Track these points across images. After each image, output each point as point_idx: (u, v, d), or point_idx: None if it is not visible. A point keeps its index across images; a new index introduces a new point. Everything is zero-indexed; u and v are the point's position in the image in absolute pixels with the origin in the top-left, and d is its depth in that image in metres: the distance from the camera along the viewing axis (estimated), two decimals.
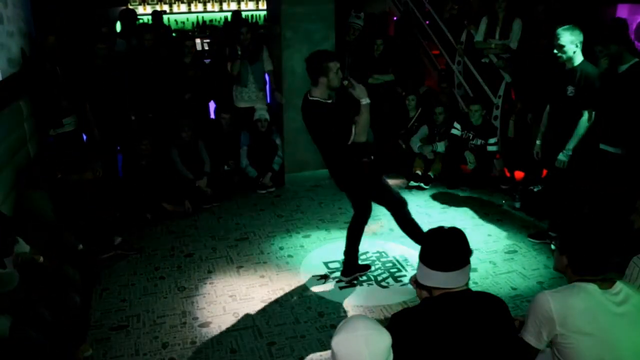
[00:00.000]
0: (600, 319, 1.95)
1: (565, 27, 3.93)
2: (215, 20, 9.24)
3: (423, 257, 2.06)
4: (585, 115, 4.00)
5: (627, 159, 4.21)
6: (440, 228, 2.09)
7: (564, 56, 3.98)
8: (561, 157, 4.13)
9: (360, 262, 4.37)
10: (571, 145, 4.08)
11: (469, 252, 2.04)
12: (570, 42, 3.89)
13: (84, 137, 5.47)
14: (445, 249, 2.01)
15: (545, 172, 5.39)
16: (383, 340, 1.72)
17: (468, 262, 2.03)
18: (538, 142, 4.56)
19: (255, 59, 5.88)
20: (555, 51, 4.00)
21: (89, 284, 3.85)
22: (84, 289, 3.59)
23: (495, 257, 4.48)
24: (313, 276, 4.22)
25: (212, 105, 6.49)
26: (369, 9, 7.60)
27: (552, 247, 4.22)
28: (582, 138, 4.08)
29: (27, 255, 3.27)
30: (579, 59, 3.99)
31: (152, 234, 4.93)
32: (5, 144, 4.24)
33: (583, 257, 2.06)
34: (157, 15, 7.50)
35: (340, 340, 1.71)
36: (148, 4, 8.83)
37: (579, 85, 3.98)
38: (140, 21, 7.49)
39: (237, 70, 5.84)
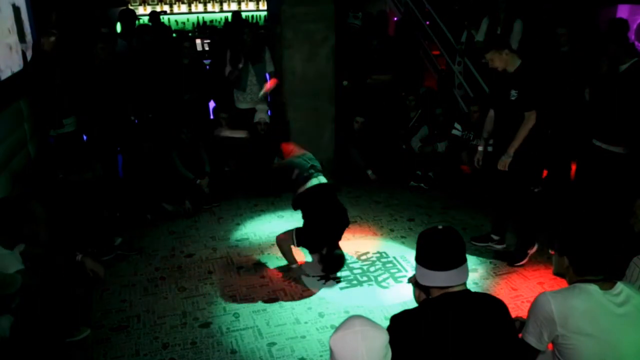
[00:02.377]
0: (601, 320, 1.95)
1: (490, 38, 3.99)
2: (216, 20, 9.25)
3: (422, 259, 2.06)
4: (525, 117, 3.92)
5: (630, 158, 4.21)
6: (435, 228, 2.09)
7: (500, 66, 4.00)
8: (503, 158, 4.03)
9: (360, 263, 4.39)
10: (512, 147, 3.99)
11: (465, 249, 2.04)
12: (498, 53, 3.95)
13: (84, 137, 5.47)
14: (444, 248, 2.01)
15: (545, 172, 5.40)
16: (379, 336, 1.72)
17: (465, 260, 2.03)
18: (480, 148, 4.49)
19: (258, 60, 5.88)
20: (490, 67, 4.07)
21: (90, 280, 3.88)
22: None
23: (496, 257, 4.48)
24: (313, 276, 4.22)
25: (212, 105, 6.49)
26: (369, 9, 7.62)
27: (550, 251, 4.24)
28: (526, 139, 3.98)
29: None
30: (516, 62, 3.98)
31: (152, 235, 4.93)
32: (5, 144, 4.25)
33: (585, 257, 2.06)
34: (154, 15, 7.50)
35: (338, 338, 1.72)
36: (148, 4, 8.84)
37: (521, 87, 3.94)
38: (141, 21, 7.51)
39: (234, 76, 5.84)
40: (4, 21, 5.03)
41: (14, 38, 5.23)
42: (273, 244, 4.74)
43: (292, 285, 4.11)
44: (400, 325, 1.98)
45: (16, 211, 3.21)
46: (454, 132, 5.86)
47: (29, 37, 5.57)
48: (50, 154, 4.77)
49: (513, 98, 3.99)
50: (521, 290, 3.99)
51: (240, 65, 5.82)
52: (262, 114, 5.80)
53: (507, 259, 4.37)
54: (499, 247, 4.58)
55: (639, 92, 4.03)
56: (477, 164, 4.52)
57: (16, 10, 5.40)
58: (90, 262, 3.43)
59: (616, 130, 4.20)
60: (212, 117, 6.43)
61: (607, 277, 2.04)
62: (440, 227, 2.09)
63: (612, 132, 4.23)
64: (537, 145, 4.05)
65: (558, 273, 2.21)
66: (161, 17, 8.51)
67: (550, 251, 4.31)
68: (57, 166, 4.44)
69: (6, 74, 4.82)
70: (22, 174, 4.15)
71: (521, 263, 4.29)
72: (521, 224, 4.35)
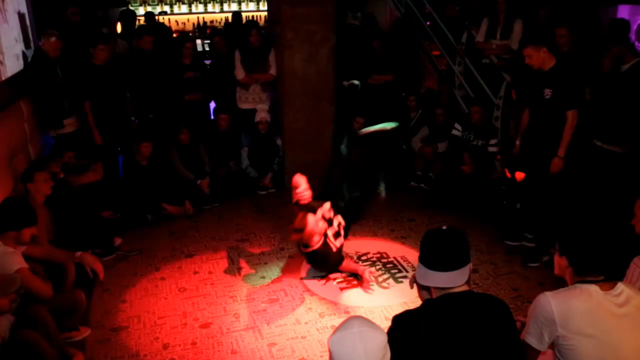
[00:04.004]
0: (602, 321, 1.95)
1: (529, 37, 4.10)
2: (216, 21, 9.25)
3: (422, 258, 2.06)
4: (568, 117, 3.99)
5: (630, 158, 4.21)
6: (439, 228, 2.09)
7: (537, 64, 4.06)
8: (556, 160, 4.09)
9: (361, 264, 4.39)
10: (562, 149, 4.05)
11: (468, 250, 2.04)
12: (536, 50, 4.00)
13: (85, 138, 5.46)
14: (443, 249, 2.01)
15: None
16: (377, 337, 1.72)
17: (468, 262, 2.03)
18: (518, 142, 4.54)
19: (263, 60, 5.87)
20: (527, 63, 4.12)
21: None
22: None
23: (496, 257, 4.48)
24: (314, 277, 4.22)
25: (212, 106, 6.49)
26: (370, 9, 7.60)
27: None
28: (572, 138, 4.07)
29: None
30: (551, 61, 4.04)
31: (152, 235, 4.93)
32: (5, 145, 4.25)
33: (584, 257, 2.06)
34: (149, 16, 7.48)
35: (336, 339, 1.72)
36: (149, 5, 8.83)
37: (557, 87, 3.99)
38: (141, 22, 7.49)
39: (243, 77, 5.85)
40: (11, 32, 5.07)
41: (20, 46, 5.28)
42: (273, 244, 4.75)
43: (293, 285, 4.11)
44: (402, 326, 1.98)
45: (19, 211, 3.23)
46: (454, 132, 5.85)
47: (32, 43, 5.59)
48: (51, 154, 4.77)
49: (547, 97, 4.03)
50: (522, 291, 3.99)
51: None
52: (263, 113, 5.80)
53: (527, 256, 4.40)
54: (531, 245, 4.63)
55: None
56: (515, 157, 4.58)
57: (21, 17, 5.44)
58: (89, 259, 3.44)
59: (617, 130, 4.20)
60: (212, 117, 6.43)
61: (607, 278, 2.04)
62: (444, 227, 2.09)
63: (612, 132, 4.23)
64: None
65: (559, 273, 2.21)
66: (161, 17, 8.52)
67: (550, 251, 4.31)
68: (58, 166, 4.44)
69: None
70: (23, 174, 4.15)
71: (534, 265, 4.32)
72: (544, 227, 4.35)
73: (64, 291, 3.38)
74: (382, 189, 6.00)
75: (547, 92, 4.03)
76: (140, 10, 8.63)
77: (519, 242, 4.67)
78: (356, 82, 6.36)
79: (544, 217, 4.35)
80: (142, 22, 7.57)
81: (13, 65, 4.97)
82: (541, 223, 4.42)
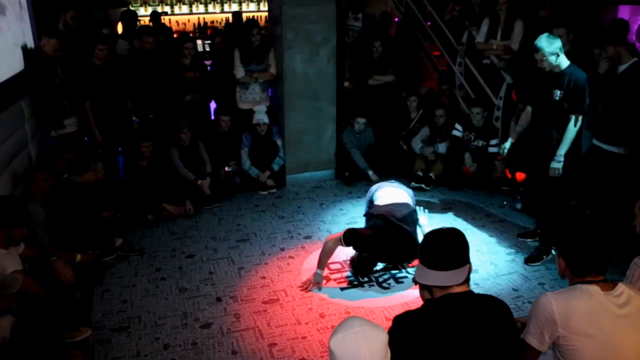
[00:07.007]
0: (602, 321, 1.95)
1: (540, 38, 3.96)
2: (217, 21, 9.26)
3: (422, 258, 2.07)
4: (572, 119, 3.97)
5: (630, 159, 4.21)
6: (439, 229, 2.11)
7: (548, 66, 4.00)
8: (554, 165, 4.05)
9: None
10: (562, 151, 4.02)
11: (467, 251, 2.04)
12: (550, 52, 3.93)
13: (86, 138, 5.47)
14: (442, 248, 2.02)
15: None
16: (379, 335, 1.73)
17: (467, 262, 2.03)
18: (509, 142, 4.54)
19: (263, 60, 5.87)
20: (538, 64, 4.06)
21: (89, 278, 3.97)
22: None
23: (497, 258, 4.48)
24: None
25: (213, 106, 6.49)
26: (370, 9, 7.61)
27: (553, 252, 4.24)
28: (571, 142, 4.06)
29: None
30: (565, 63, 4.00)
31: (153, 235, 4.94)
32: (6, 145, 4.24)
33: (579, 256, 2.07)
34: (156, 16, 7.49)
35: (338, 340, 1.71)
36: (149, 5, 8.84)
37: (568, 88, 3.97)
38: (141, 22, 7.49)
39: (242, 75, 5.85)
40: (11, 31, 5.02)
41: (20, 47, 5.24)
42: (274, 245, 4.75)
43: (293, 286, 4.11)
44: (403, 326, 1.98)
45: (8, 211, 3.20)
46: (455, 132, 5.86)
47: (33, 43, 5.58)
48: (52, 154, 4.77)
49: (557, 98, 4.02)
50: (522, 291, 3.98)
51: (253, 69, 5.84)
52: (260, 115, 5.79)
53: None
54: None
55: (639, 92, 4.02)
56: (503, 153, 4.63)
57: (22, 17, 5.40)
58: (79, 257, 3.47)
59: (616, 130, 4.20)
60: (212, 117, 6.43)
61: (607, 278, 2.05)
62: (444, 228, 2.11)
63: (611, 132, 4.22)
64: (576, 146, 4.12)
65: (561, 274, 2.21)
66: (161, 17, 8.51)
67: (550, 252, 4.32)
68: (60, 166, 4.44)
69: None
70: (23, 174, 4.14)
71: (535, 264, 4.33)
72: (548, 227, 4.35)
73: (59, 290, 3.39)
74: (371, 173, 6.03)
75: (557, 93, 4.01)
76: (141, 11, 8.64)
77: (533, 238, 4.69)
78: (345, 83, 6.36)
79: (545, 216, 4.35)
80: (146, 22, 7.57)
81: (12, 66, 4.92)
82: (543, 222, 4.43)
